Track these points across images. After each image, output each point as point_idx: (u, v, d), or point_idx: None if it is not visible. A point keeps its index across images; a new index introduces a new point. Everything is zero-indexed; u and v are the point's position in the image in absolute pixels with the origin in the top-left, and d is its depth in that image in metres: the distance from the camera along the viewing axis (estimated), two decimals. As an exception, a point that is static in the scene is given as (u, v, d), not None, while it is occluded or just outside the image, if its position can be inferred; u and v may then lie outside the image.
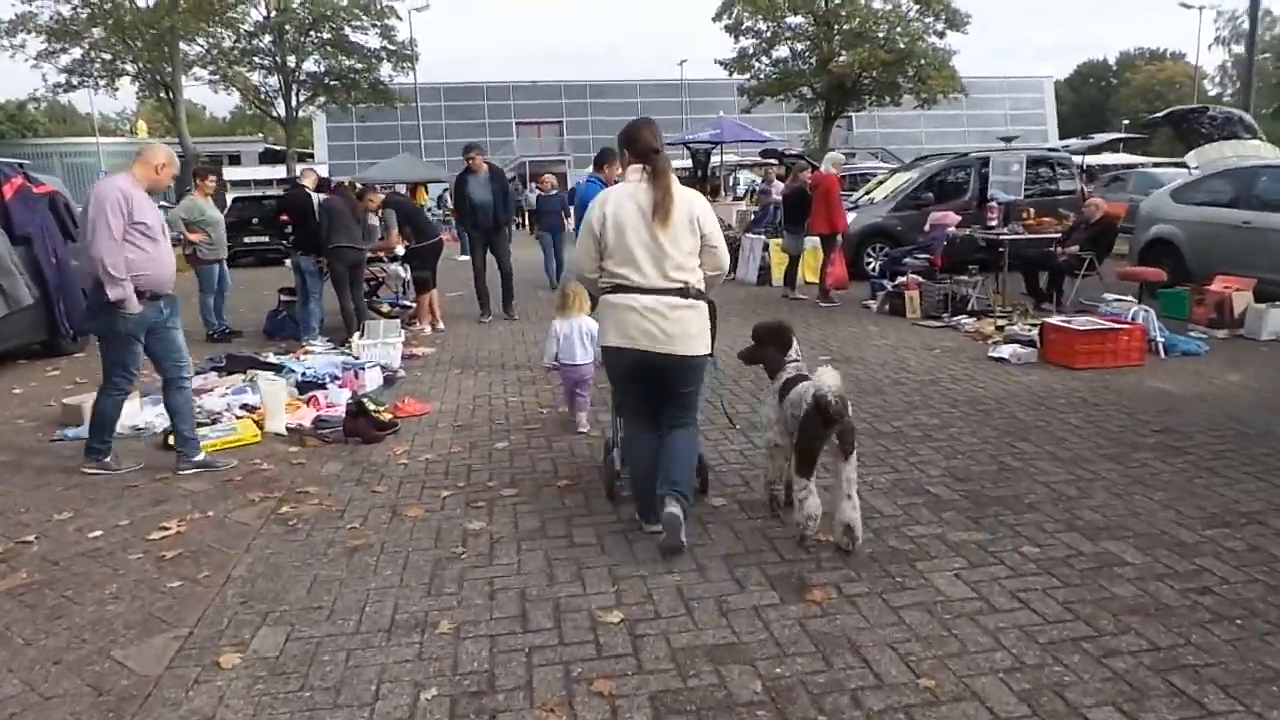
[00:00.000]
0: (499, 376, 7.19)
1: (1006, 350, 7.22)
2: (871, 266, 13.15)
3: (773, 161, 18.63)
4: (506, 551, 3.71)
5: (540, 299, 11.52)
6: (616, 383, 3.80)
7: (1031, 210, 9.32)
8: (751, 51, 31.26)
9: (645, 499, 3.75)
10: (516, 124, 57.46)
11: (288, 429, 5.52)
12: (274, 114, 33.61)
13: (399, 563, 3.62)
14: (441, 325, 9.72)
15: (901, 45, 28.73)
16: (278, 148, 36.03)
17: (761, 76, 31.56)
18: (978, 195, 12.98)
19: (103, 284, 4.46)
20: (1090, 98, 79.19)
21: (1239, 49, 63.08)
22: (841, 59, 29.11)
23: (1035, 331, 7.54)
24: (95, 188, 4.55)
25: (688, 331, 3.51)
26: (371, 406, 5.80)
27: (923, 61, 29.22)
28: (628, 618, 3.11)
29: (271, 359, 7.73)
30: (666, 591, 3.30)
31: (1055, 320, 7.29)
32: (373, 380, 6.72)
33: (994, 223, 9.17)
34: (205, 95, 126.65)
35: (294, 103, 32.69)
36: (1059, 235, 9.14)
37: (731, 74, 32.25)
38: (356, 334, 7.93)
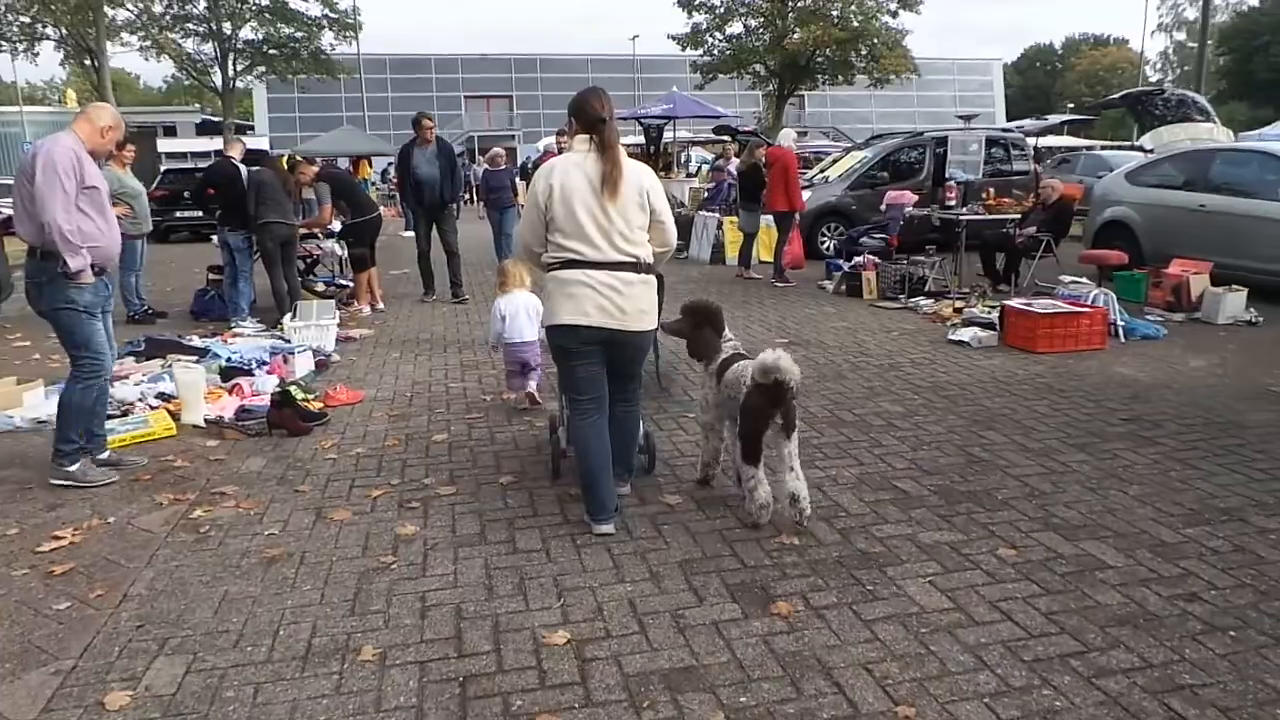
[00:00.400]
0: (440, 360, 6.79)
1: (967, 334, 7.04)
2: (826, 246, 13.00)
3: (726, 138, 18.30)
4: (441, 560, 3.36)
5: (487, 279, 11.09)
6: (565, 362, 3.57)
7: (991, 190, 9.16)
8: (705, 27, 30.75)
9: (596, 493, 3.54)
10: (465, 97, 56.25)
11: (206, 421, 5.07)
12: (210, 84, 32.26)
13: (320, 576, 3.25)
14: (381, 305, 9.26)
15: (855, 23, 28.50)
16: (216, 119, 34.64)
17: (715, 53, 31.11)
18: (932, 175, 12.92)
19: (53, 254, 3.95)
20: (1037, 81, 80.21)
21: (1180, 35, 64.50)
22: (796, 36, 28.76)
23: (995, 314, 7.38)
24: (42, 147, 3.97)
25: (641, 307, 3.44)
26: (300, 395, 5.39)
27: (876, 40, 29.04)
28: (575, 638, 2.79)
29: (196, 342, 7.23)
30: (618, 605, 3.00)
31: (1015, 303, 7.12)
32: (303, 366, 6.28)
33: (952, 202, 8.98)
34: (137, 63, 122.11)
35: (231, 72, 31.41)
36: (1018, 216, 8.99)
37: (685, 49, 31.74)
38: (288, 315, 7.45)
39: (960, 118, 12.41)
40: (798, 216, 10.75)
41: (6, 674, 2.66)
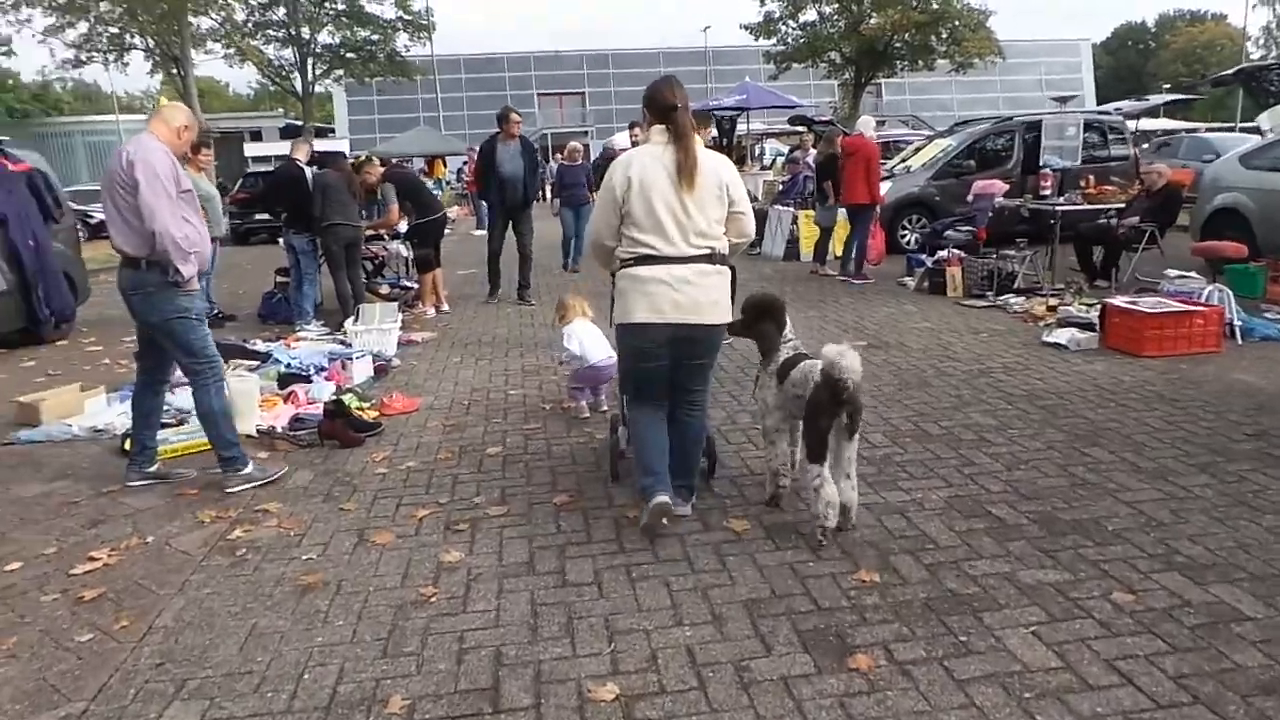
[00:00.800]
0: (501, 365, 6.57)
1: (1064, 335, 6.48)
2: (908, 240, 12.43)
3: (801, 129, 17.72)
4: (485, 594, 3.10)
5: (553, 279, 10.88)
6: (636, 360, 3.46)
7: (1091, 178, 8.50)
8: (778, 15, 30.07)
9: (649, 475, 3.47)
10: (538, 95, 56.49)
11: (258, 431, 4.93)
12: (291, 88, 33.02)
13: (355, 609, 3.02)
14: (446, 307, 9.12)
15: (935, 5, 27.47)
16: (298, 122, 35.53)
17: (789, 41, 30.42)
18: (1022, 162, 12.20)
19: (159, 263, 3.83)
20: (1129, 61, 76.55)
21: (1287, 8, 60.51)
22: (872, 21, 27.88)
23: (1094, 313, 6.80)
24: (135, 154, 3.76)
25: (715, 299, 3.34)
26: (354, 403, 5.22)
27: (957, 23, 27.97)
28: (625, 693, 2.49)
29: (260, 346, 7.19)
30: (675, 654, 2.67)
31: (1117, 301, 6.53)
32: (361, 371, 6.13)
33: (1048, 192, 8.35)
34: (224, 70, 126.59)
35: (310, 76, 32.09)
36: (1121, 205, 8.30)
37: (757, 39, 31.12)
38: (350, 319, 7.34)
39: (1055, 99, 11.63)
40: (878, 209, 10.24)
41: (15, 716, 2.49)
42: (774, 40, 30.64)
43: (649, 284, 3.27)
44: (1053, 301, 7.71)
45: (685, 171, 3.22)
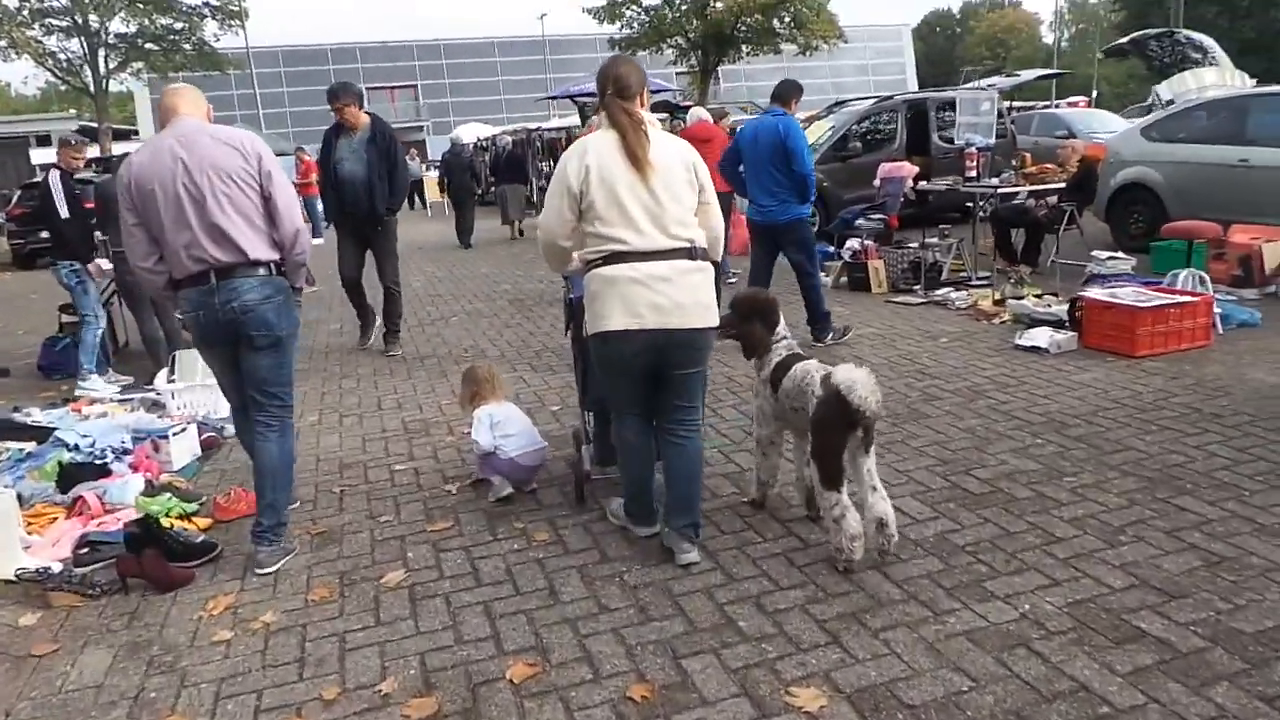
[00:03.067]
0: (376, 423, 5.08)
1: (1040, 337, 5.64)
2: (799, 230, 11.64)
3: (664, 115, 16.70)
4: None
5: (440, 307, 9.31)
6: (613, 374, 3.10)
7: (1027, 156, 7.82)
8: (622, -1, 29.06)
9: (641, 501, 3.27)
10: (367, 89, 53.15)
11: (19, 577, 3.26)
12: (81, 84, 29.06)
13: None
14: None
15: (779, -12, 27.20)
16: (94, 124, 31.33)
17: (634, 26, 29.44)
18: (905, 143, 11.68)
19: (290, 269, 3.39)
20: (938, 46, 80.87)
21: (1073, -8, 65.23)
22: (718, 5, 27.34)
23: (1056, 307, 6.06)
24: (246, 140, 3.26)
25: (699, 299, 2.98)
26: (175, 509, 3.66)
27: (800, 6, 27.81)
28: None
29: (37, 417, 5.38)
30: None
31: (1094, 294, 5.77)
32: (183, 453, 4.50)
33: (973, 173, 7.59)
34: (5, 70, 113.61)
35: (103, 70, 28.35)
36: (1062, 186, 7.62)
37: (601, 23, 29.97)
38: (164, 370, 5.61)
39: (968, 72, 11.03)
40: (736, 199, 9.28)
41: None
42: (618, 25, 29.58)
43: (621, 285, 2.90)
44: (996, 295, 6.96)
45: (634, 158, 2.88)
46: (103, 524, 3.70)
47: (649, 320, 2.89)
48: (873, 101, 12.68)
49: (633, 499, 3.28)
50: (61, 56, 28.51)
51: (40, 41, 27.52)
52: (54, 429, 4.93)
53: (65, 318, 7.10)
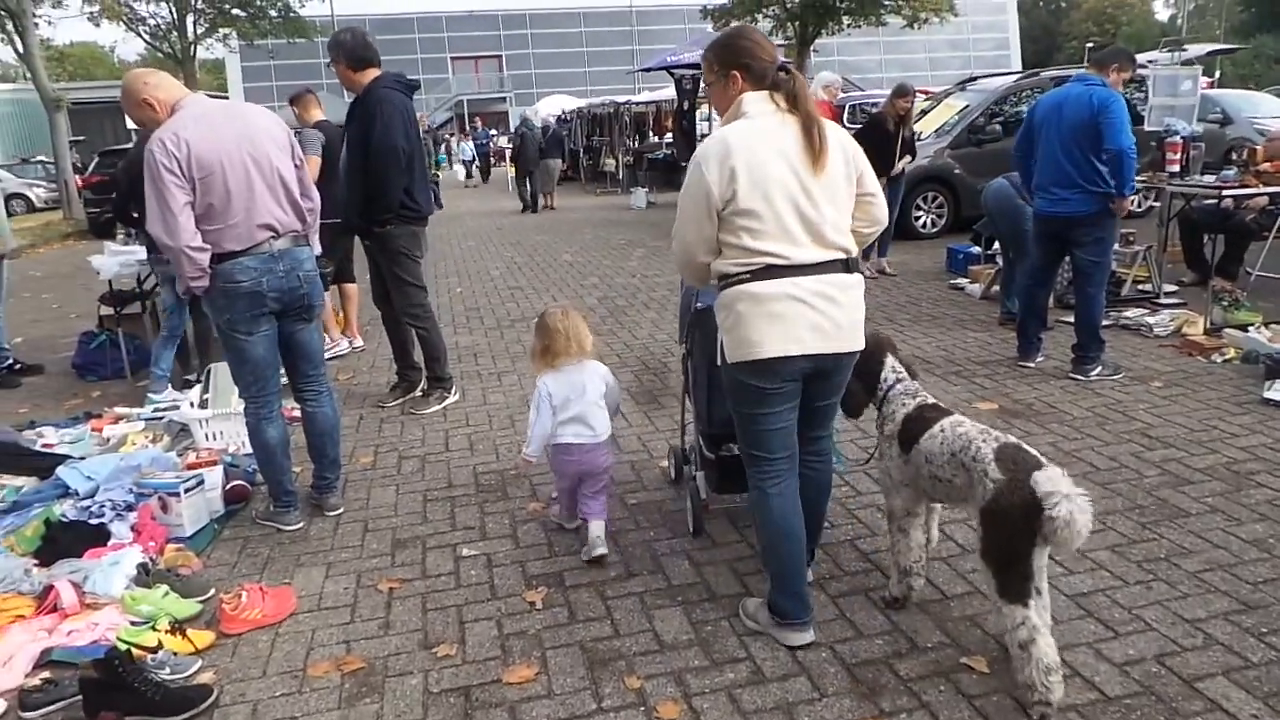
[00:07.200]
0: (443, 473, 4.07)
1: (1302, 390, 4.31)
2: (923, 223, 10.30)
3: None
4: None
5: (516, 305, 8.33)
6: (758, 408, 2.52)
7: (1258, 149, 6.34)
8: (718, -35, 27.48)
9: (794, 585, 2.59)
10: (452, 59, 52.92)
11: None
12: (169, 50, 28.98)
13: None
14: (359, 341, 6.51)
15: (887, -46, 25.33)
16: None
17: (728, -6, 27.87)
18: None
19: (315, 237, 3.58)
20: (1041, 21, 76.66)
21: (1196, -33, 60.71)
22: (821, -29, 25.59)
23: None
24: (271, 118, 3.43)
25: (857, 318, 2.54)
26: (163, 617, 2.70)
27: (909, -26, 25.87)
28: None
29: (50, 438, 4.56)
30: None
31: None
32: (197, 514, 3.53)
33: (1175, 167, 6.15)
34: (112, 34, 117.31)
35: (191, 36, 28.17)
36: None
37: (694, -8, 28.49)
38: (194, 390, 4.68)
39: (1165, 43, 9.46)
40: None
41: None
42: (712, -7, 28.06)
43: (778, 302, 2.42)
44: (1206, 322, 5.59)
45: (816, 152, 2.41)
46: (74, 633, 2.75)
47: (810, 345, 2.45)
48: (1014, 78, 11.16)
49: (787, 592, 2.58)
50: (151, 22, 28.45)
51: (129, 6, 27.43)
52: (59, 461, 4.06)
53: (104, 310, 6.28)
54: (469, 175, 26.84)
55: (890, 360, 2.78)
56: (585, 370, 3.21)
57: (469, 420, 4.78)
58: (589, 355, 3.26)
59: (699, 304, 3.06)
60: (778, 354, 2.43)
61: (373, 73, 4.56)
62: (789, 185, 2.40)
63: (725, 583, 2.96)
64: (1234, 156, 6.72)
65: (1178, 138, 6.09)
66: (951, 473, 2.43)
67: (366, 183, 4.52)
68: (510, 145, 21.56)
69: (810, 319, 2.43)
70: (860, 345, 2.57)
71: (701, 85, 16.81)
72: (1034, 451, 2.30)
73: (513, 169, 19.20)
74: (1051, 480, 2.09)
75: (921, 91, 12.37)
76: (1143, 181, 6.26)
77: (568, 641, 2.68)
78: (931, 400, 2.69)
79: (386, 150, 4.44)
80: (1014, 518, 2.17)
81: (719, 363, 2.58)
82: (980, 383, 4.95)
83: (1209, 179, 6.11)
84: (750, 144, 2.40)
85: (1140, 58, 8.59)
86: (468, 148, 28.81)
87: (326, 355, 6.08)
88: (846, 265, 2.51)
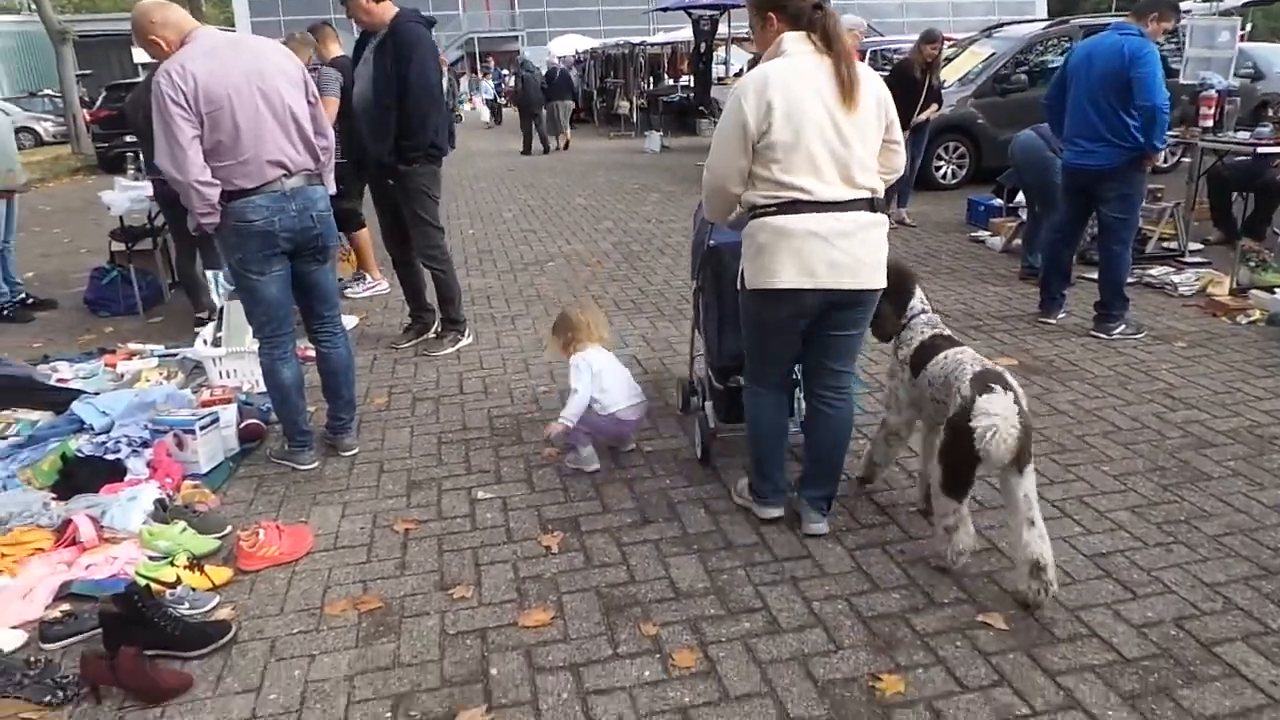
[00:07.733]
0: (457, 415, 4.06)
1: (1331, 354, 4.24)
2: (944, 173, 10.12)
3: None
4: None
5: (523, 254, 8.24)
6: (768, 334, 2.77)
7: None
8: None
9: (769, 472, 2.96)
10: (464, -5, 51.68)
11: (-42, 664, 2.35)
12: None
13: None
14: (383, 284, 6.40)
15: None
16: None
17: (749, -67, 27.12)
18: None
19: (329, 175, 3.54)
20: (1065, -34, 74.39)
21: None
22: (844, -89, 24.88)
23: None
24: (291, 57, 3.34)
25: (878, 257, 2.65)
26: (180, 554, 2.71)
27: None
28: None
29: (65, 373, 4.56)
30: None
31: None
32: (213, 451, 3.53)
33: (1209, 122, 5.99)
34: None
35: (198, -35, 27.60)
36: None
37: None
38: (208, 327, 4.66)
39: None
40: None
41: None
42: (731, -68, 27.31)
43: (798, 238, 2.56)
44: (1228, 279, 5.50)
45: (848, 89, 2.50)
46: (92, 567, 2.76)
47: (824, 279, 2.58)
48: (1042, 25, 10.86)
49: (764, 477, 2.98)
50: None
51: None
52: (74, 395, 4.06)
53: (115, 246, 6.23)
54: (494, 115, 25.69)
55: (920, 292, 2.95)
56: (602, 354, 3.44)
57: (483, 363, 4.76)
58: (607, 345, 3.52)
59: (711, 241, 3.17)
60: (791, 285, 2.59)
61: (390, 7, 4.43)
62: (822, 122, 2.51)
63: (741, 532, 2.95)
64: (1271, 113, 6.52)
65: (1213, 92, 5.92)
66: (944, 395, 2.63)
67: (400, 120, 4.39)
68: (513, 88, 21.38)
69: (828, 255, 2.56)
70: (881, 284, 2.69)
71: (719, 26, 16.49)
72: (1012, 380, 2.46)
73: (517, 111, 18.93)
74: (990, 402, 2.34)
75: (945, 38, 12.08)
76: (1174, 136, 6.12)
77: (583, 586, 2.68)
78: (947, 332, 2.87)
79: (427, 90, 4.37)
80: (963, 431, 2.39)
81: (738, 287, 2.74)
82: (1000, 338, 4.89)
83: (1243, 135, 5.95)
84: (788, 80, 2.51)
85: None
86: (488, 86, 28.20)
87: (365, 293, 6.17)
88: (871, 204, 2.62)
